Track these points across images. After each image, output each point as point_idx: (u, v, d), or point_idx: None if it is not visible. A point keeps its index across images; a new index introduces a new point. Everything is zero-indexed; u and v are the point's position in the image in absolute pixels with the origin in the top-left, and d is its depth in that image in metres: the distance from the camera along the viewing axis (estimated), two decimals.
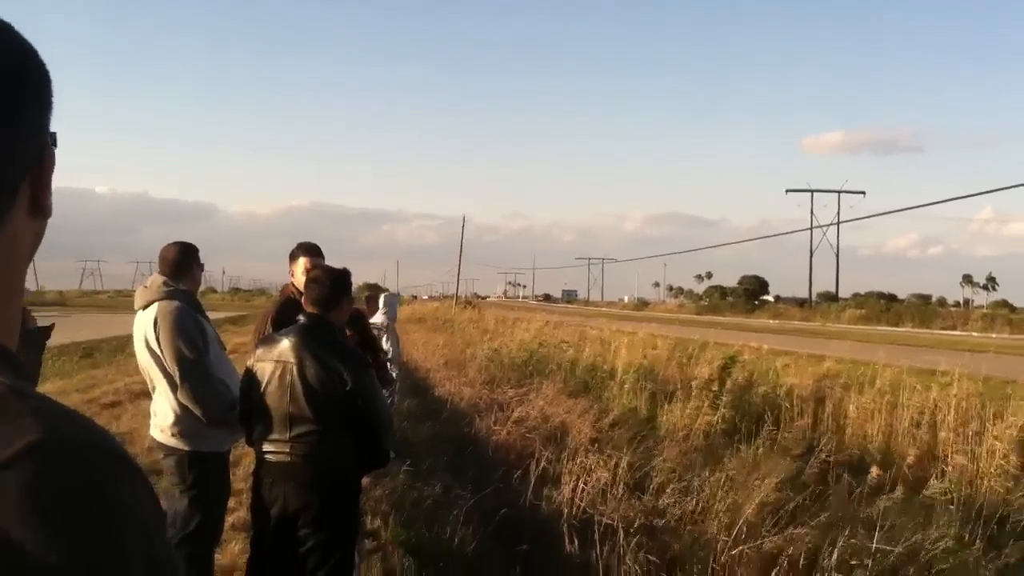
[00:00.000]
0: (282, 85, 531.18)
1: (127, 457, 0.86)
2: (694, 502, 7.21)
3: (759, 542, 6.15)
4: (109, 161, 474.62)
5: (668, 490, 7.55)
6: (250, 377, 4.41)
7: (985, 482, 8.43)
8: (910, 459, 9.31)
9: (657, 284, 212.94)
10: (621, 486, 7.57)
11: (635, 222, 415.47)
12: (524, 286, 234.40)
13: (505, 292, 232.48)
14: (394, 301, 11.39)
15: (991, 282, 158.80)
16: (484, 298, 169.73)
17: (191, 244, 5.23)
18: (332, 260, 5.84)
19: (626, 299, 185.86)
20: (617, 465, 7.88)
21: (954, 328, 63.40)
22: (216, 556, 5.56)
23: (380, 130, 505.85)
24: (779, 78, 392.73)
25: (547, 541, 6.93)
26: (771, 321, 78.64)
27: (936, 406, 10.58)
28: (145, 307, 4.95)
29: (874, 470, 8.25)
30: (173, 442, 4.88)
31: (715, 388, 12.15)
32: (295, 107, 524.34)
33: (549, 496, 7.79)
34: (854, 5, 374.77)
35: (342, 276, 4.63)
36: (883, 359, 13.34)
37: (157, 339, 4.81)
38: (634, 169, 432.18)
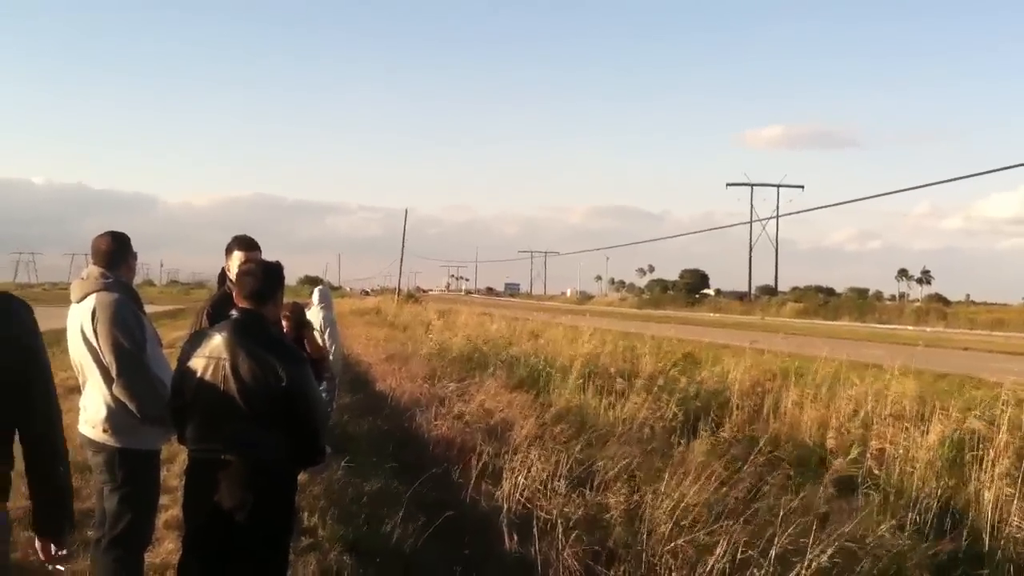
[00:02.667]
0: (224, 76, 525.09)
1: None
2: (635, 497, 7.23)
3: (692, 536, 6.19)
4: (46, 151, 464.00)
5: (609, 485, 7.57)
6: (181, 373, 4.31)
7: (917, 474, 8.55)
8: (846, 451, 9.42)
9: (599, 277, 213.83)
10: (562, 481, 7.57)
11: (579, 215, 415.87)
12: (467, 279, 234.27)
13: (448, 285, 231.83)
14: (328, 293, 11.32)
15: (926, 275, 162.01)
16: (427, 291, 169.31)
17: (123, 233, 5.14)
18: (273, 253, 5.75)
19: (568, 292, 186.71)
20: (558, 460, 7.88)
21: (889, 322, 64.69)
22: (147, 556, 5.46)
23: (323, 122, 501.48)
24: (722, 71, 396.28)
25: (487, 536, 6.92)
26: (711, 315, 79.55)
27: (872, 400, 10.72)
28: (82, 299, 4.84)
29: (837, 463, 8.33)
30: (104, 438, 4.77)
31: (660, 384, 12.23)
32: (237, 98, 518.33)
33: (489, 492, 7.77)
34: (793, 1, 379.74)
35: (275, 269, 4.54)
36: (822, 353, 13.52)
37: (95, 331, 4.72)
38: (579, 162, 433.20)
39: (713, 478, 7.42)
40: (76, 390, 5.13)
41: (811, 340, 16.81)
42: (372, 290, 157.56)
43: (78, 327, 4.82)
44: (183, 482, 4.66)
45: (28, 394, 3.13)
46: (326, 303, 10.97)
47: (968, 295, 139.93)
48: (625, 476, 7.77)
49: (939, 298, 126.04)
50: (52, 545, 3.34)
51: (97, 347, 4.72)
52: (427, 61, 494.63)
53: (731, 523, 6.31)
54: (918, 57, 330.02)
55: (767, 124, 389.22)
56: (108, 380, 4.71)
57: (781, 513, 6.46)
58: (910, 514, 7.50)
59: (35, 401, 3.16)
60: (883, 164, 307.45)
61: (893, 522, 7.03)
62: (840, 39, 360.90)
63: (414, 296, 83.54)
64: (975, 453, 8.52)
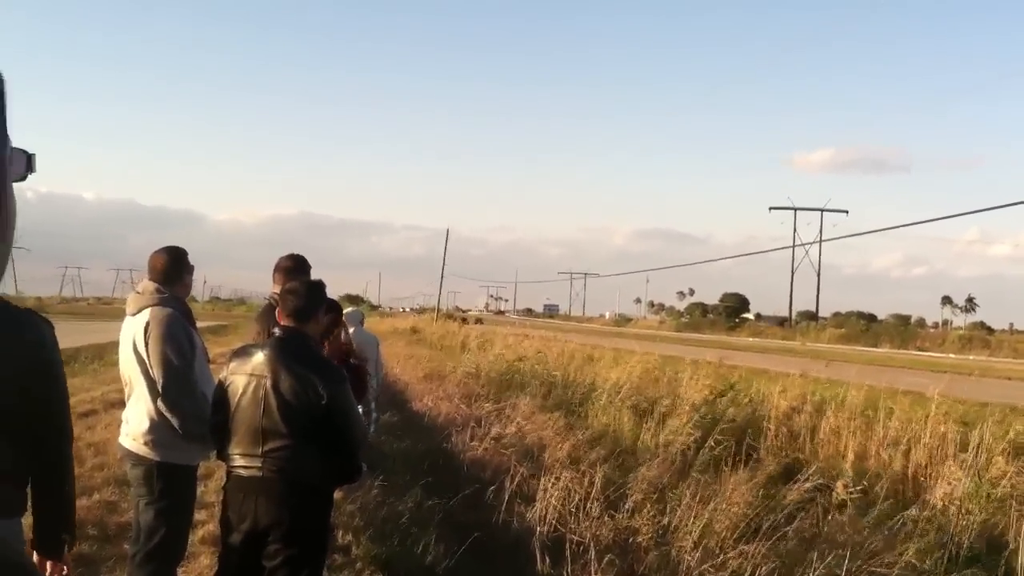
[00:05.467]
0: (273, 94, 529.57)
1: None
2: (667, 520, 7.22)
3: (723, 560, 6.17)
4: (98, 167, 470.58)
5: (643, 508, 7.55)
6: (223, 390, 4.39)
7: (959, 504, 8.45)
8: (884, 480, 9.34)
9: (639, 300, 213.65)
10: (595, 504, 7.57)
11: (622, 237, 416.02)
12: (506, 300, 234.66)
13: (487, 305, 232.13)
14: (357, 318, 11.35)
15: (970, 303, 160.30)
16: (466, 311, 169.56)
17: (180, 249, 5.21)
18: (317, 270, 5.88)
19: (607, 315, 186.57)
20: (592, 483, 7.87)
21: (930, 350, 63.92)
22: (182, 571, 5.52)
23: (372, 141, 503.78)
24: (770, 94, 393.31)
25: (519, 558, 6.92)
26: (751, 339, 79.00)
27: (912, 428, 10.61)
28: (137, 312, 4.94)
29: (840, 485, 8.25)
30: (144, 451, 4.84)
31: (702, 410, 12.18)
32: (286, 116, 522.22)
33: (522, 513, 7.77)
34: (844, 24, 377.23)
35: (317, 287, 4.61)
36: (861, 380, 13.40)
37: (146, 344, 4.80)
38: (624, 183, 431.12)
39: (746, 503, 7.39)
40: (119, 404, 5.21)
41: (848, 367, 16.68)
42: (411, 309, 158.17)
43: (130, 340, 4.91)
44: (220, 498, 4.72)
45: (47, 408, 3.11)
46: (357, 326, 11.02)
47: (1012, 324, 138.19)
48: (655, 498, 7.76)
49: (983, 326, 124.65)
50: (49, 563, 3.22)
51: (147, 360, 4.81)
52: (475, 81, 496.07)
53: (763, 549, 6.28)
54: (970, 82, 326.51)
55: (816, 148, 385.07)
56: (154, 393, 4.79)
57: (813, 539, 6.43)
58: (949, 546, 7.42)
59: (52, 416, 3.15)
60: (932, 190, 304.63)
61: (928, 549, 6.97)
62: (893, 63, 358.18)
63: (461, 317, 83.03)
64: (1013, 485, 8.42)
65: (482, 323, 68.59)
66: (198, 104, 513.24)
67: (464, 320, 73.88)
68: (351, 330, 10.69)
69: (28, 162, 0.96)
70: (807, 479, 8.31)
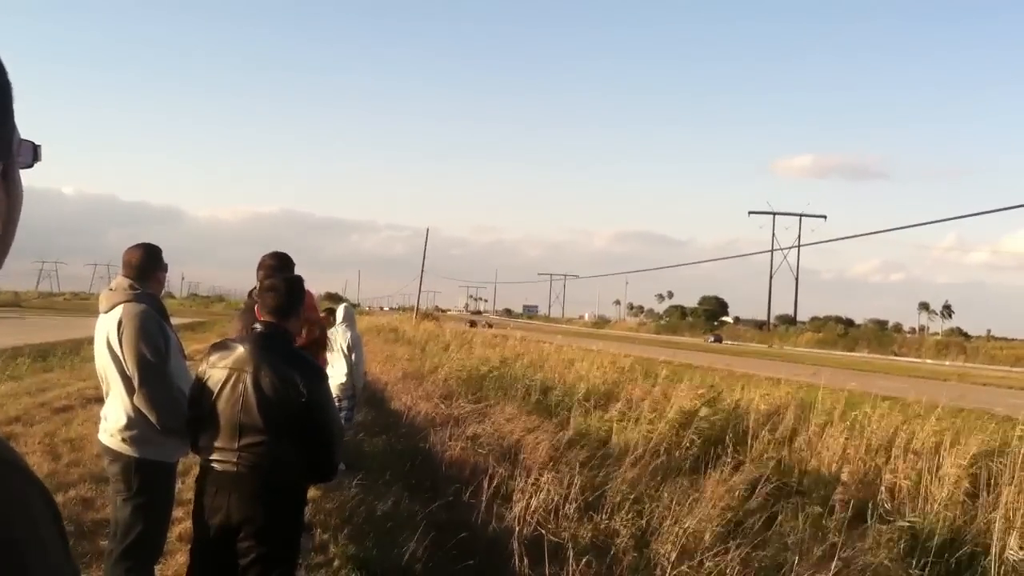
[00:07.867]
0: (255, 91, 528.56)
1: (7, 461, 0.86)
2: (644, 522, 7.23)
3: (699, 562, 6.18)
4: (78, 162, 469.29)
5: (621, 510, 7.56)
6: (201, 383, 4.36)
7: (935, 508, 8.51)
8: (859, 484, 9.39)
9: (618, 302, 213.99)
10: (574, 505, 7.57)
11: (603, 239, 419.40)
12: (485, 300, 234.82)
13: (467, 306, 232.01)
14: (351, 312, 11.35)
15: (947, 310, 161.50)
16: (445, 311, 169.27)
17: (154, 246, 5.19)
18: (298, 269, 5.88)
19: (586, 316, 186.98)
20: (570, 484, 7.88)
21: (908, 355, 64.36)
22: (159, 568, 5.49)
23: (356, 141, 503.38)
24: (752, 99, 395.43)
25: (497, 559, 6.92)
26: (728, 343, 79.27)
27: (889, 433, 10.67)
28: (110, 309, 4.90)
29: (839, 494, 8.30)
30: (122, 447, 4.80)
31: (676, 409, 12.20)
32: (269, 114, 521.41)
33: (501, 513, 7.77)
34: (828, 28, 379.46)
35: (298, 284, 4.60)
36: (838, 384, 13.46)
37: (120, 341, 4.77)
38: (605, 187, 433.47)
39: (724, 505, 7.42)
40: (96, 399, 5.19)
41: (825, 371, 16.78)
42: (390, 308, 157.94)
43: (104, 337, 4.88)
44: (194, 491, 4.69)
45: None
46: (349, 321, 11.01)
47: (989, 330, 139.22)
48: (632, 500, 7.78)
49: (959, 332, 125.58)
50: None
51: (121, 357, 4.78)
52: (461, 84, 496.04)
53: (740, 551, 6.30)
54: (952, 91, 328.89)
55: (797, 153, 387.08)
56: (130, 390, 4.76)
57: (791, 542, 6.45)
58: (923, 547, 7.46)
59: None
60: (911, 197, 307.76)
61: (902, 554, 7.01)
62: (875, 72, 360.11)
63: (484, 321, 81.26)
64: (988, 486, 8.48)
65: (492, 327, 63.39)
66: (180, 101, 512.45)
67: (473, 324, 72.23)
68: (348, 335, 10.69)
69: (35, 152, 1.00)
70: (772, 480, 8.36)
